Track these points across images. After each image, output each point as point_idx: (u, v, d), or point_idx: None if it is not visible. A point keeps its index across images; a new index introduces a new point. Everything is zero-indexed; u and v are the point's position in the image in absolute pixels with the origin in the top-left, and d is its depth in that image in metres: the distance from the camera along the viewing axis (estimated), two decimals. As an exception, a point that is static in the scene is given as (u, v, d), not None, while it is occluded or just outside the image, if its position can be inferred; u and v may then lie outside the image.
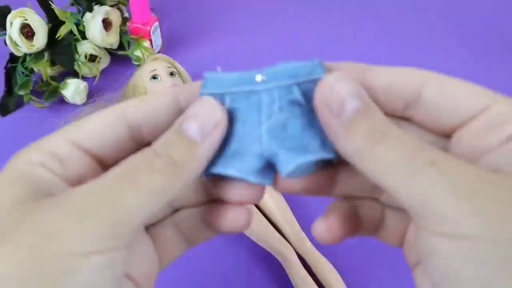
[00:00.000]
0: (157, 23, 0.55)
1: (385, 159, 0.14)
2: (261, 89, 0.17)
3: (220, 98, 0.16)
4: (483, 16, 0.68)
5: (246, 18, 0.66)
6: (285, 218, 0.35)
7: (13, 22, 0.46)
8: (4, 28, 0.47)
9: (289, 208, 0.36)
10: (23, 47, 0.47)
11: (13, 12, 0.47)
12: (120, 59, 0.55)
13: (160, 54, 0.46)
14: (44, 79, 0.48)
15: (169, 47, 0.59)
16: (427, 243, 0.13)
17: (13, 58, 0.50)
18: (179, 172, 0.15)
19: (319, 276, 0.33)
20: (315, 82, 0.16)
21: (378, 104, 0.15)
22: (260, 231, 0.34)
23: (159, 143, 0.15)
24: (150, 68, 0.42)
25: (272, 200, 0.36)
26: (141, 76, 0.42)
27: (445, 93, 0.15)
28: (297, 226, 0.35)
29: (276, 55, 0.58)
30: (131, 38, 0.54)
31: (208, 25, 0.65)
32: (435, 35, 0.63)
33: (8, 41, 0.47)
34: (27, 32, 0.47)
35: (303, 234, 0.35)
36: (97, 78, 0.52)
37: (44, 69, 0.48)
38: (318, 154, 0.15)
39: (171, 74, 0.42)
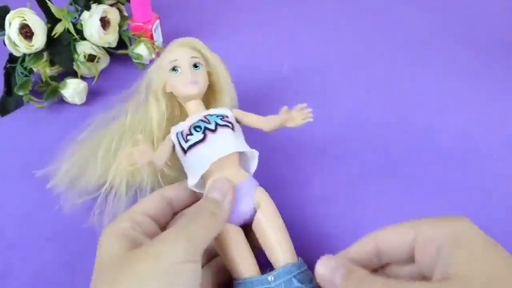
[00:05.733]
0: (158, 21, 0.55)
1: None
2: (273, 286, 0.27)
3: None
4: (483, 15, 0.68)
5: (246, 18, 0.66)
6: None
7: (12, 22, 0.46)
8: (3, 28, 0.47)
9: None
10: (22, 47, 0.47)
11: (12, 12, 0.47)
12: (120, 59, 0.55)
13: (187, 39, 0.38)
14: (44, 79, 0.48)
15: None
16: None
17: (12, 58, 0.50)
18: (215, 217, 0.27)
19: None
20: (305, 271, 0.29)
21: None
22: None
23: (200, 203, 0.29)
24: (171, 57, 0.36)
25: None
26: (161, 66, 0.36)
27: (389, 241, 0.26)
28: None
29: (276, 55, 0.58)
30: (133, 35, 0.54)
31: (209, 25, 0.64)
32: (435, 35, 0.63)
33: (7, 42, 0.47)
34: (26, 32, 0.47)
35: None
36: (95, 78, 0.52)
37: (43, 69, 0.48)
38: None
39: (195, 66, 0.36)
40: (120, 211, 0.36)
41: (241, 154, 0.34)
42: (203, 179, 0.33)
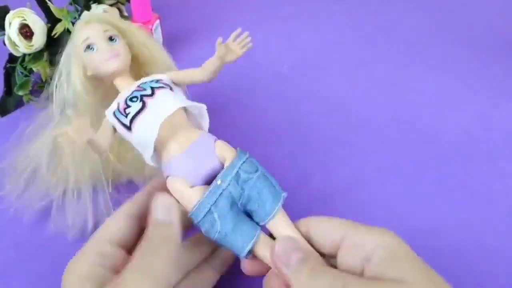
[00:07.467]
0: (158, 21, 0.55)
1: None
2: (226, 187, 0.26)
3: (209, 212, 0.26)
4: (483, 15, 0.68)
5: (246, 18, 0.66)
6: None
7: (12, 22, 0.46)
8: (3, 28, 0.47)
9: None
10: (22, 47, 0.47)
11: (11, 12, 0.47)
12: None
13: (93, 13, 0.35)
14: (44, 79, 0.48)
15: (170, 45, 0.59)
16: None
17: (12, 58, 0.50)
18: (169, 240, 0.25)
19: None
20: (248, 160, 0.28)
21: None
22: None
23: (148, 232, 0.26)
24: (81, 37, 0.33)
25: None
26: (75, 49, 0.33)
27: (319, 231, 0.26)
28: None
29: (276, 55, 0.58)
30: None
31: (209, 25, 0.64)
32: (435, 35, 0.63)
33: (7, 42, 0.47)
34: (26, 32, 0.47)
35: None
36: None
37: (43, 69, 0.48)
38: (276, 204, 0.27)
39: (111, 39, 0.33)
40: (83, 212, 0.36)
41: (189, 116, 0.32)
42: (158, 151, 0.30)
